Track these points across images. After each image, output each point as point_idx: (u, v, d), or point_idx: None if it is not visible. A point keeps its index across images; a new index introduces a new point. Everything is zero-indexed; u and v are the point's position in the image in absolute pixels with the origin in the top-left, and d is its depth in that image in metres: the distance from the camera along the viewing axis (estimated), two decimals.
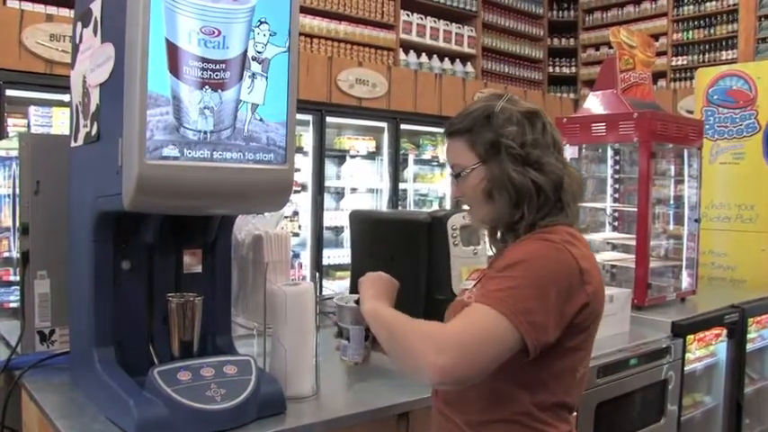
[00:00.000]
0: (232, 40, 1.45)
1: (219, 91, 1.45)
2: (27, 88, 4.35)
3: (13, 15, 4.37)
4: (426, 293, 2.15)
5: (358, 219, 2.57)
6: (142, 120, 1.36)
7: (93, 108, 1.58)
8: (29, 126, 4.40)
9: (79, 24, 1.68)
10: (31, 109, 4.46)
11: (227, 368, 1.58)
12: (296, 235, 5.76)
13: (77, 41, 1.69)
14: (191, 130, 1.42)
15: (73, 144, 1.73)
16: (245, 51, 1.48)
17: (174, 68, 1.39)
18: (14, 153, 2.08)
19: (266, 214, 1.97)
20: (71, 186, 1.78)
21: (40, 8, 4.79)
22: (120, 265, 1.68)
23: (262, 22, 1.49)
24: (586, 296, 1.32)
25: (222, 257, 1.82)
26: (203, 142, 1.43)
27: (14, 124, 4.35)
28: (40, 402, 1.69)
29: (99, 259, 1.63)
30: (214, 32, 1.43)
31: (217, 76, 1.44)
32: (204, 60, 1.42)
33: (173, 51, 1.39)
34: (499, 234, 1.48)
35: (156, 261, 1.74)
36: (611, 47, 3.54)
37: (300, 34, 6.29)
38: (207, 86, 1.43)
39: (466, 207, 1.52)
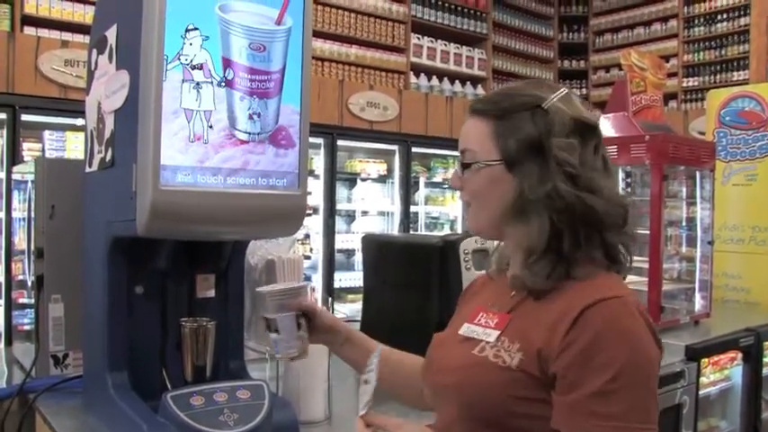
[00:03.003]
0: (274, 55, 1.52)
1: (265, 99, 1.52)
2: (42, 113, 4.42)
3: (29, 42, 4.45)
4: (438, 317, 2.14)
5: (371, 242, 2.57)
6: (156, 146, 1.38)
7: (107, 134, 1.60)
8: (43, 150, 4.45)
9: (94, 51, 1.71)
10: (46, 133, 4.52)
11: (240, 393, 1.57)
12: (307, 258, 5.78)
13: (92, 68, 1.71)
14: (242, 132, 1.49)
15: (87, 169, 1.75)
16: (284, 67, 1.54)
17: (229, 80, 1.46)
18: (30, 177, 2.10)
19: (279, 239, 1.98)
20: (84, 211, 1.80)
21: (55, 34, 4.88)
22: (134, 289, 1.69)
23: None
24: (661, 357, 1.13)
25: (235, 282, 1.82)
26: (216, 169, 1.45)
27: (29, 148, 4.41)
28: (54, 426, 1.69)
29: (113, 284, 1.63)
30: (260, 48, 1.50)
31: (263, 85, 1.51)
32: (252, 71, 1.49)
33: (227, 65, 1.46)
34: (521, 263, 1.17)
35: (170, 286, 1.74)
36: (621, 68, 3.56)
37: (312, 58, 6.35)
38: (255, 95, 1.50)
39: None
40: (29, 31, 4.93)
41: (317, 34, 6.33)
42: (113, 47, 1.58)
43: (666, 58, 7.41)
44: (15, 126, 4.27)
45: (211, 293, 1.80)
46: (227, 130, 1.47)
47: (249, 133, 1.50)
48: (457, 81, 7.40)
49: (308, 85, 1.58)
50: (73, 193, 1.87)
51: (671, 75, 7.05)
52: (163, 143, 1.39)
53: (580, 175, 1.13)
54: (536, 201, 1.13)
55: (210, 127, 1.45)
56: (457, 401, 1.17)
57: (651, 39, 8.23)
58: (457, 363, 1.20)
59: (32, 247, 2.03)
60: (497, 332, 1.16)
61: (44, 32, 4.92)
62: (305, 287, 1.53)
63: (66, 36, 4.90)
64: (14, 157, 4.26)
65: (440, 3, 7.27)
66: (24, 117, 4.32)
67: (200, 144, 1.44)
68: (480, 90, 7.52)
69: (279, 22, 1.52)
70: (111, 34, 1.59)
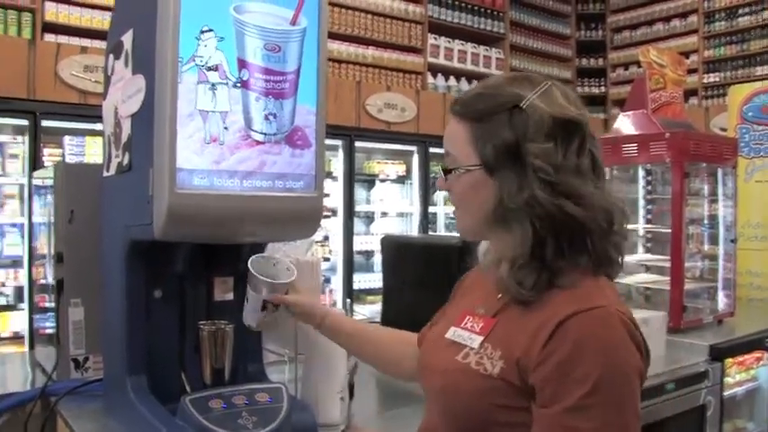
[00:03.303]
0: (289, 55, 1.52)
1: (281, 99, 1.52)
2: (62, 119, 4.46)
3: (50, 49, 4.49)
4: None
5: (390, 243, 2.56)
6: (172, 150, 1.38)
7: (124, 138, 1.60)
8: (63, 155, 4.49)
9: (111, 56, 1.71)
10: (66, 139, 4.56)
11: (259, 396, 1.57)
12: (326, 260, 5.78)
13: (109, 73, 1.72)
14: (258, 132, 1.49)
15: (105, 174, 1.76)
16: (299, 67, 1.54)
17: (245, 81, 1.47)
18: (50, 182, 2.12)
19: (297, 241, 1.98)
20: (102, 216, 1.81)
21: (75, 41, 4.92)
22: (152, 293, 1.69)
23: None
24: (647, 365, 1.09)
25: None
26: (232, 171, 1.45)
27: (50, 154, 4.45)
28: (75, 429, 1.70)
29: (131, 288, 1.64)
30: (275, 48, 1.50)
31: (279, 86, 1.51)
32: (268, 71, 1.49)
33: (242, 66, 1.46)
34: (507, 270, 1.12)
35: (188, 289, 1.74)
36: (640, 66, 3.52)
37: (328, 59, 6.36)
38: (270, 95, 1.50)
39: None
40: (49, 38, 4.98)
41: (334, 36, 6.33)
42: (129, 51, 1.58)
43: (686, 54, 7.31)
44: (36, 132, 4.31)
45: (230, 296, 1.80)
46: (243, 131, 1.47)
47: (265, 134, 1.50)
48: (474, 81, 7.36)
49: (323, 85, 1.58)
50: (92, 197, 1.88)
51: (691, 71, 6.96)
52: (179, 146, 1.39)
53: (558, 182, 1.07)
54: (516, 208, 1.09)
55: (226, 128, 1.45)
56: (440, 406, 1.18)
57: (670, 35, 8.13)
58: (442, 367, 1.19)
59: (53, 252, 2.04)
60: (481, 338, 1.14)
61: (64, 39, 4.96)
62: (283, 285, 1.55)
63: (86, 42, 4.93)
64: (35, 162, 4.29)
65: (456, 3, 7.25)
66: (45, 123, 4.36)
67: (216, 145, 1.43)
68: None
69: (294, 23, 1.51)
70: (128, 39, 1.59)
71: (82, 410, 1.81)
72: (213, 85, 1.42)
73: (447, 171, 1.19)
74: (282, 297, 1.56)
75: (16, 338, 4.39)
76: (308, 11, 1.53)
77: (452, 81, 7.21)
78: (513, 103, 1.11)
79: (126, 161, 1.59)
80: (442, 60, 7.15)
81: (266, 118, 1.49)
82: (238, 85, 1.45)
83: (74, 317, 1.99)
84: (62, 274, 1.99)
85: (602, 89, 8.77)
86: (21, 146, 4.46)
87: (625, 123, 3.38)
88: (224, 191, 1.44)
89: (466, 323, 1.20)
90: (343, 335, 1.58)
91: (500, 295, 1.16)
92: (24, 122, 4.31)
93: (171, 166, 1.38)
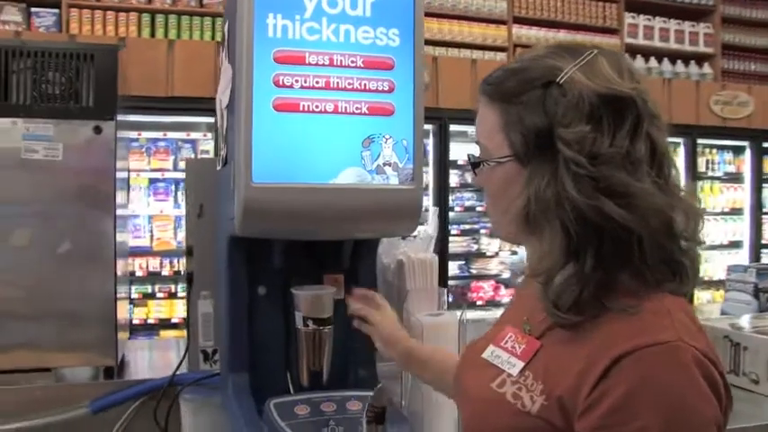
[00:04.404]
0: None
1: None
2: None
3: None
4: None
5: None
6: (247, 142, 1.31)
7: (223, 131, 1.57)
8: None
9: (220, 47, 1.70)
10: None
11: (351, 404, 1.47)
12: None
13: (219, 63, 1.70)
14: None
15: (218, 167, 1.75)
16: None
17: None
18: None
19: (418, 236, 1.84)
20: (216, 210, 1.80)
21: None
22: (257, 290, 1.65)
23: None
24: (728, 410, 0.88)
25: (366, 284, 1.70)
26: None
27: None
28: (184, 419, 1.72)
29: (233, 283, 1.61)
30: None
31: None
32: None
33: None
34: (541, 285, 0.92)
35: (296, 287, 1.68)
36: None
37: (517, 46, 6.12)
38: None
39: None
40: None
41: (522, 21, 6.08)
42: (226, 40, 1.54)
43: None
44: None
45: (340, 295, 1.71)
46: None
47: None
48: (679, 61, 6.70)
49: (420, 70, 1.42)
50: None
51: None
52: None
53: (596, 176, 0.85)
54: (544, 209, 0.89)
55: None
56: None
57: None
58: (473, 393, 1.02)
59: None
60: (522, 364, 0.94)
61: None
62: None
63: None
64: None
65: None
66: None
67: None
68: (707, 69, 6.74)
69: None
70: (226, 28, 1.56)
71: (203, 403, 1.84)
72: None
73: (475, 164, 1.01)
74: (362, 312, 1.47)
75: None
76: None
77: (653, 62, 6.62)
78: (548, 79, 0.91)
79: (224, 154, 1.56)
80: (641, 41, 6.58)
81: None
82: None
83: (203, 309, 2.02)
84: (192, 267, 2.02)
85: None
86: (211, 142, 4.73)
87: None
88: (304, 183, 1.35)
89: (506, 341, 1.00)
90: (414, 365, 1.44)
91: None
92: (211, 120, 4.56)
93: (246, 158, 1.31)
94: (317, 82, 1.34)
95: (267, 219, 1.35)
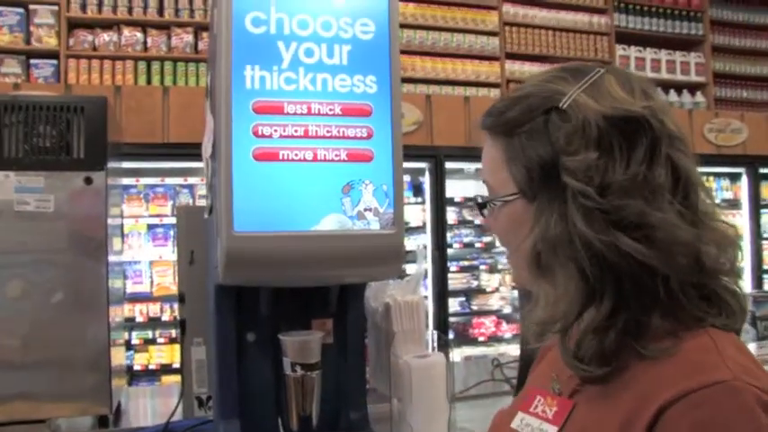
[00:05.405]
0: None
1: None
2: None
3: None
4: None
5: None
6: (228, 191, 1.33)
7: (208, 180, 1.59)
8: None
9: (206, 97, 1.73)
10: None
11: None
12: None
13: (204, 114, 1.73)
14: None
15: (206, 216, 1.77)
16: None
17: None
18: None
19: (405, 278, 1.85)
20: (206, 258, 1.82)
21: None
22: (246, 337, 1.65)
23: None
24: None
25: (354, 328, 1.72)
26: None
27: None
28: None
29: (221, 331, 1.61)
30: None
31: None
32: None
33: None
34: (558, 338, 0.82)
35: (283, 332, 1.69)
36: None
37: (510, 81, 6.18)
38: None
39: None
40: None
41: (514, 57, 6.14)
42: (208, 91, 1.57)
43: None
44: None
45: (329, 339, 1.72)
46: None
47: None
48: (672, 90, 6.76)
49: (397, 111, 1.45)
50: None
51: None
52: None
53: (607, 208, 0.76)
54: (553, 249, 0.80)
55: None
56: None
57: None
58: None
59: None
60: (556, 429, 0.83)
61: None
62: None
63: None
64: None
65: (645, 8, 6.73)
66: None
67: None
68: (700, 97, 6.80)
69: None
70: (209, 78, 1.59)
71: None
72: None
73: (481, 206, 0.92)
74: None
75: None
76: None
77: None
78: (551, 104, 0.81)
79: (209, 203, 1.58)
80: (632, 71, 6.64)
81: None
82: None
83: (196, 355, 2.02)
84: (185, 313, 2.03)
85: None
86: None
87: None
88: (285, 232, 1.36)
89: (535, 406, 0.89)
90: None
91: None
92: None
93: (226, 207, 1.33)
94: (296, 131, 1.37)
95: (250, 267, 1.37)
